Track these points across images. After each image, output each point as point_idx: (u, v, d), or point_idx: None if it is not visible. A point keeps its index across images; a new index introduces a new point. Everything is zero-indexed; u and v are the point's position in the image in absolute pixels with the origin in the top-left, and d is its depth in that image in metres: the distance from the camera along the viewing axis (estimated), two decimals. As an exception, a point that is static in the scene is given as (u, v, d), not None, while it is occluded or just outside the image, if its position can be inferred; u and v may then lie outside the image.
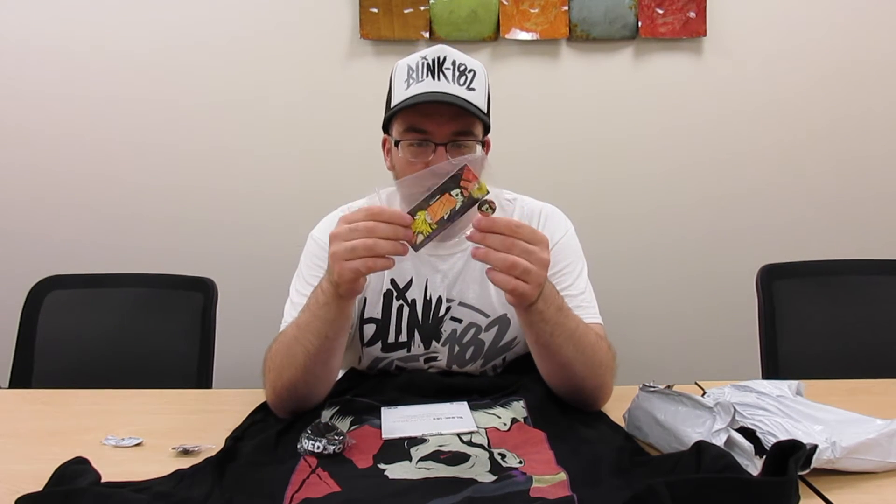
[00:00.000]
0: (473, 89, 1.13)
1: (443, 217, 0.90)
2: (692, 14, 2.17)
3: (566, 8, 2.16)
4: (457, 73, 1.12)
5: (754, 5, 2.21)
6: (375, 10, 2.15)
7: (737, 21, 2.20)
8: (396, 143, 1.15)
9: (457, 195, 0.90)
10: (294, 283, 1.24)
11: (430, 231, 0.90)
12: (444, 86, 1.11)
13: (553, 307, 1.00)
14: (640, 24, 2.17)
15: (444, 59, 1.12)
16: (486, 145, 1.22)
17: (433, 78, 1.11)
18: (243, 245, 2.23)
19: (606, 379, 1.09)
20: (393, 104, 1.15)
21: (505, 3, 2.15)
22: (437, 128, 1.12)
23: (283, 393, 1.06)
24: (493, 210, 0.90)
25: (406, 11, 2.15)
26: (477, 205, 0.90)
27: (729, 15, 2.20)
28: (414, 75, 1.13)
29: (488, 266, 0.92)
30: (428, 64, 1.12)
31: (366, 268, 0.91)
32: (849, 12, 2.21)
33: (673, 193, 2.27)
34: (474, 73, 1.14)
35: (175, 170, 2.23)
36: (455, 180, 0.90)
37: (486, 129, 1.19)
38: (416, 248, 0.91)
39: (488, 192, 0.90)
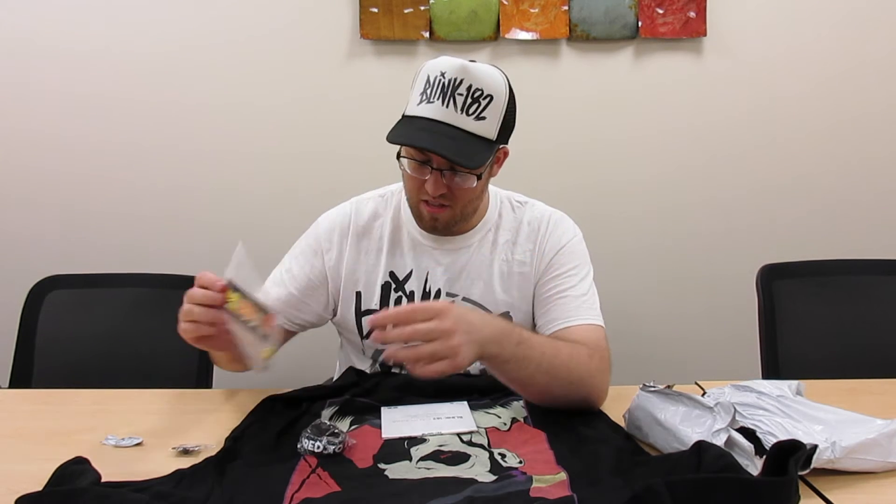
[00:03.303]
0: (483, 118, 1.11)
1: (246, 319, 0.95)
2: (692, 14, 2.17)
3: (566, 8, 2.16)
4: (468, 101, 1.10)
5: (754, 5, 2.21)
6: (375, 10, 2.15)
7: (737, 21, 2.21)
8: (398, 156, 1.17)
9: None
10: (285, 258, 1.33)
11: (246, 320, 0.95)
12: (451, 115, 1.10)
13: (510, 345, 0.99)
14: (640, 23, 2.17)
15: (461, 82, 1.10)
16: (504, 155, 1.24)
17: (442, 102, 1.10)
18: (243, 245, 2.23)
19: (594, 386, 1.07)
20: (407, 110, 1.16)
21: (505, 2, 2.15)
22: (434, 157, 1.13)
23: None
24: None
25: (406, 11, 2.15)
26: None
27: (729, 15, 2.20)
28: (429, 91, 1.12)
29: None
30: (444, 84, 1.10)
31: (191, 337, 0.97)
32: (849, 12, 2.21)
33: (672, 193, 2.27)
34: (490, 99, 1.11)
35: (175, 170, 2.23)
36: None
37: (500, 143, 1.19)
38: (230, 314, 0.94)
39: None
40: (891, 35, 2.23)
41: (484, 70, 1.12)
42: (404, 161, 1.17)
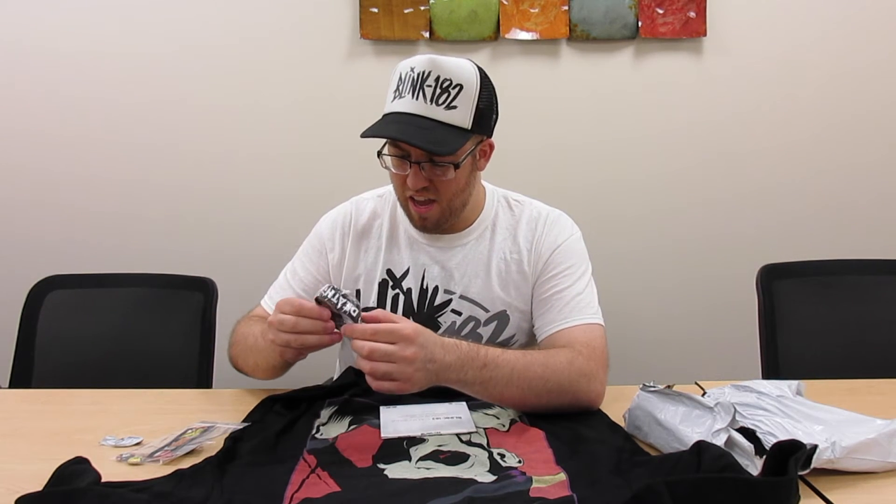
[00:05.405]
0: (454, 107, 1.12)
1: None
2: (692, 14, 2.17)
3: (566, 8, 2.16)
4: (437, 91, 1.11)
5: (754, 5, 2.21)
6: (375, 10, 2.15)
7: (737, 21, 2.20)
8: (378, 154, 1.18)
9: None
10: (288, 264, 1.36)
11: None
12: (421, 106, 1.12)
13: (473, 370, 1.01)
14: (640, 23, 2.17)
15: (429, 74, 1.11)
16: (490, 148, 1.24)
17: (412, 95, 1.12)
18: (243, 245, 2.23)
19: (578, 391, 1.07)
20: (384, 110, 1.17)
21: (505, 2, 2.15)
22: (411, 149, 1.14)
23: (245, 368, 1.24)
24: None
25: (406, 11, 2.15)
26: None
27: (729, 15, 2.20)
28: (401, 88, 1.14)
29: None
30: (413, 78, 1.12)
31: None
32: (849, 13, 2.21)
33: (673, 193, 2.27)
34: (460, 89, 1.12)
35: (175, 170, 2.23)
36: None
37: (481, 136, 1.19)
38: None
39: None
40: (891, 36, 2.23)
41: (453, 61, 1.14)
42: (385, 158, 1.18)
